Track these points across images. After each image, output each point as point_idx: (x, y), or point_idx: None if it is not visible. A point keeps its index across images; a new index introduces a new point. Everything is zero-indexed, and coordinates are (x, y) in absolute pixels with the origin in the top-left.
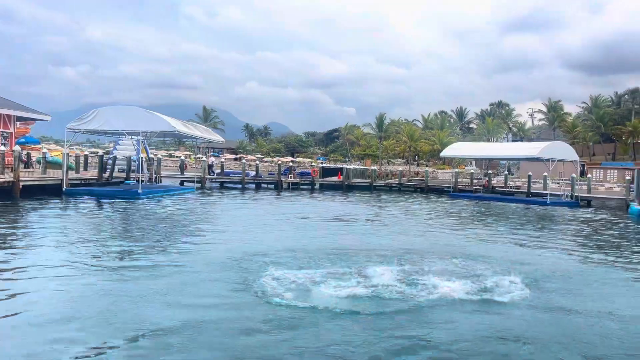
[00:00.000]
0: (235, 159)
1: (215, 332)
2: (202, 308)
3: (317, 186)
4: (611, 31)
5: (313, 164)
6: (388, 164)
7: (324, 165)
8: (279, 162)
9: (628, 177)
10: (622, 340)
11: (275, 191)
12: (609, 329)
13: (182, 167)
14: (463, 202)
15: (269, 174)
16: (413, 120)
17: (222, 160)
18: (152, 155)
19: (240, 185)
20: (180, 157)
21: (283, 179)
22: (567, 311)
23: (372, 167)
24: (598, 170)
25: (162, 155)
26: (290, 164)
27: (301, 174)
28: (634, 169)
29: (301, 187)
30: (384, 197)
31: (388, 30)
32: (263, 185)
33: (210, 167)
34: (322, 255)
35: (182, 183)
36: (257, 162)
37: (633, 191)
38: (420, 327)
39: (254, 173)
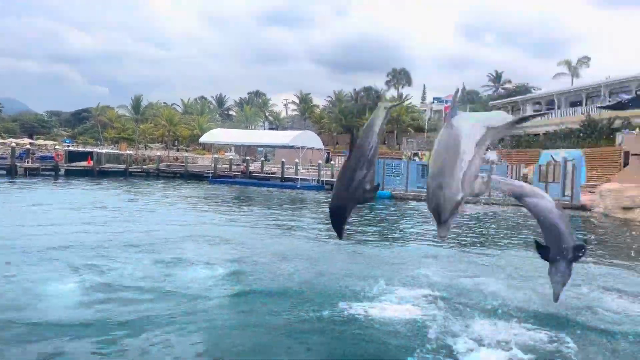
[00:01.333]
0: None
1: None
2: None
3: (62, 172)
4: (352, 33)
5: (57, 147)
6: (146, 149)
7: (70, 148)
8: (13, 144)
9: None
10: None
11: (7, 177)
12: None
13: None
14: (222, 187)
15: (0, 157)
16: (172, 104)
17: None
18: None
19: None
20: None
21: (18, 164)
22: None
23: (128, 152)
24: (340, 157)
25: None
26: (28, 146)
27: (42, 158)
28: None
29: (42, 173)
30: (140, 184)
31: (144, 8)
32: None
33: None
34: (56, 249)
35: None
36: None
37: None
38: (165, 312)
39: None
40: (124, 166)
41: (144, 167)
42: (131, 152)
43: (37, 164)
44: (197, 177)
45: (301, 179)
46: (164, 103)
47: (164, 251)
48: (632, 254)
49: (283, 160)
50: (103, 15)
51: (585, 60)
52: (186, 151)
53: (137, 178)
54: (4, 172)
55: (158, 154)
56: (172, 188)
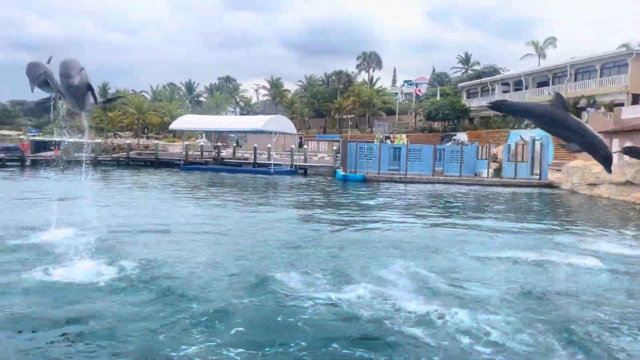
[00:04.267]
0: None
1: None
2: None
3: (28, 163)
4: (320, 17)
5: (22, 137)
6: (115, 137)
7: (36, 138)
8: None
9: (335, 148)
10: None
11: None
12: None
13: None
14: (194, 174)
15: None
16: (141, 92)
17: None
18: None
19: None
20: None
21: None
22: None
23: (97, 140)
24: (313, 142)
25: None
26: None
27: (6, 149)
28: (340, 141)
29: (7, 164)
30: (111, 173)
31: None
32: None
33: None
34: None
35: None
36: None
37: (339, 159)
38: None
39: None
40: (93, 155)
41: (113, 155)
42: (100, 140)
43: (2, 155)
44: (168, 164)
45: (274, 164)
46: (132, 90)
47: (119, 242)
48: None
49: (255, 145)
50: (64, 1)
51: (551, 41)
52: (156, 139)
53: (107, 167)
54: None
55: (128, 142)
56: (143, 176)
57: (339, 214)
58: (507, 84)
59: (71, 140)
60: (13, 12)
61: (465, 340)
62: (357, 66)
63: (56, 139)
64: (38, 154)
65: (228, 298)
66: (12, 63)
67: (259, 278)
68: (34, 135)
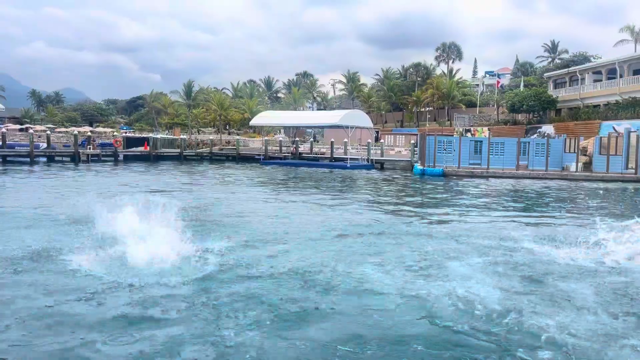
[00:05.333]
0: (21, 130)
1: None
2: None
3: (120, 157)
4: (398, 10)
5: (115, 133)
6: (198, 133)
7: (127, 135)
8: (76, 132)
9: (413, 142)
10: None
11: (72, 164)
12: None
13: None
14: (273, 168)
15: (64, 145)
16: (223, 89)
17: (4, 130)
18: None
19: (28, 159)
20: None
21: (81, 151)
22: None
23: (182, 137)
24: (389, 136)
25: None
26: (89, 134)
27: (102, 145)
28: (417, 135)
29: (103, 159)
30: (195, 167)
31: None
32: (57, 158)
33: None
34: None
35: None
36: (49, 132)
37: (417, 153)
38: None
39: (45, 145)
40: (178, 150)
41: (197, 151)
42: (185, 136)
43: (98, 151)
44: (248, 159)
45: (351, 159)
46: (215, 88)
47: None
48: None
49: (332, 140)
50: (153, 4)
51: None
52: (237, 134)
53: (191, 161)
54: (68, 158)
55: (210, 137)
56: (226, 170)
57: (417, 208)
58: (599, 73)
59: (159, 136)
60: (107, 16)
61: (549, 348)
62: (436, 58)
63: (145, 135)
64: (130, 149)
65: (305, 290)
66: (106, 64)
67: (336, 271)
68: (125, 132)
